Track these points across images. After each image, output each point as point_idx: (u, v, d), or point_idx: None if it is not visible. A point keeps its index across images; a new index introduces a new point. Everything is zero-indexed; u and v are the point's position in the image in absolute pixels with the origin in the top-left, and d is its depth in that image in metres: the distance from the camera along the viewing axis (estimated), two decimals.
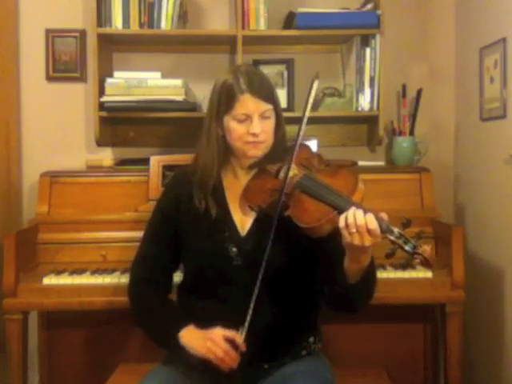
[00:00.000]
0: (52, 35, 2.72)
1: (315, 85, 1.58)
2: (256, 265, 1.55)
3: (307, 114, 1.58)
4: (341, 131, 2.83)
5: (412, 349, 2.48)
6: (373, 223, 1.39)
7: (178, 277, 1.94)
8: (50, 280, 2.13)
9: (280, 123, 1.69)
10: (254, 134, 1.61)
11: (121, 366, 2.09)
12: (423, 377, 2.50)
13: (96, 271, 2.20)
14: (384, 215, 1.43)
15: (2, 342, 2.25)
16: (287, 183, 1.56)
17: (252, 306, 1.51)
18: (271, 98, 1.65)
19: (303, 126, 1.58)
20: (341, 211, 1.43)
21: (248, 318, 1.51)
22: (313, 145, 2.62)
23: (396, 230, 1.40)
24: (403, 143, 2.67)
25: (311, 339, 1.72)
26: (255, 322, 1.62)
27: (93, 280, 2.14)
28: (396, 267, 2.17)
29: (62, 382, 2.47)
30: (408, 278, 2.14)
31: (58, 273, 2.19)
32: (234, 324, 1.59)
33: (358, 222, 1.39)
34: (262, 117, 1.62)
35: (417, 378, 2.50)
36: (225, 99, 1.63)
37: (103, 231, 2.35)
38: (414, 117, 2.69)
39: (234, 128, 1.62)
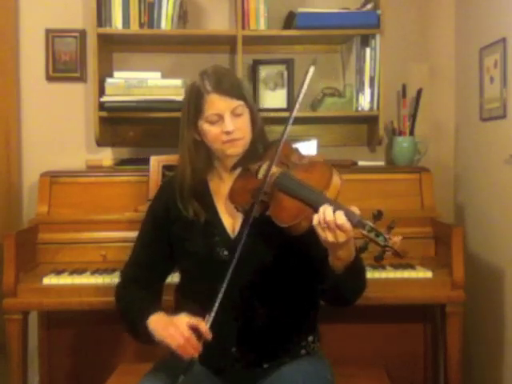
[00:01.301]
0: (52, 35, 2.72)
1: (311, 71, 1.57)
2: (249, 266, 1.55)
3: (300, 100, 1.58)
4: (341, 131, 2.83)
5: (412, 349, 2.48)
6: (341, 218, 1.39)
7: (176, 277, 1.94)
8: (49, 280, 2.13)
9: (255, 119, 1.68)
10: (228, 132, 1.60)
11: (121, 366, 2.09)
12: (423, 377, 2.50)
13: (96, 271, 2.20)
14: (355, 209, 1.43)
15: (2, 342, 2.25)
16: (266, 183, 1.56)
17: (221, 295, 1.49)
18: (240, 94, 1.63)
19: (294, 113, 1.58)
20: (315, 208, 1.44)
21: (215, 305, 1.49)
22: (313, 145, 2.62)
23: (367, 223, 1.40)
24: (403, 143, 2.67)
25: (310, 338, 1.71)
26: (253, 322, 1.63)
27: (93, 280, 2.14)
28: (396, 267, 2.18)
29: (62, 382, 2.48)
30: (408, 277, 2.14)
31: (58, 273, 2.19)
32: (231, 325, 1.60)
33: (328, 218, 1.39)
34: (234, 114, 1.61)
35: (417, 378, 2.50)
36: (194, 103, 1.63)
37: (103, 231, 2.35)
38: (414, 117, 2.69)
39: (209, 130, 1.62)
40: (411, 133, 2.69)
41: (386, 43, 2.56)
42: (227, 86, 1.61)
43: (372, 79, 2.58)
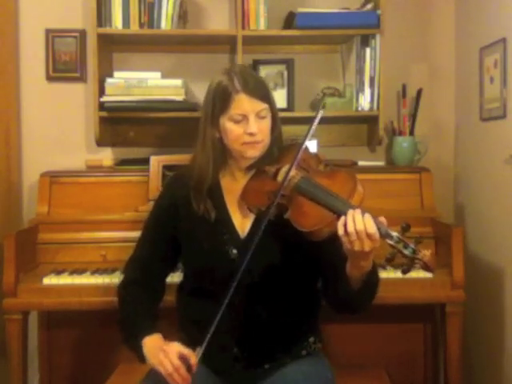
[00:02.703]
0: (52, 35, 2.72)
1: (319, 115, 1.58)
2: (256, 266, 1.55)
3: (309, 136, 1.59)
4: (341, 131, 2.82)
5: (412, 349, 2.48)
6: (372, 227, 1.37)
7: (177, 277, 1.94)
8: (49, 280, 2.13)
9: (276, 122, 1.68)
10: (251, 134, 1.59)
11: (121, 366, 2.09)
12: (423, 377, 2.50)
13: (96, 271, 2.20)
14: (383, 219, 1.41)
15: (2, 341, 2.25)
16: (285, 185, 1.54)
17: (213, 326, 1.47)
18: (266, 97, 1.63)
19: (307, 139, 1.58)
20: (340, 215, 1.41)
21: (207, 338, 1.47)
22: (313, 145, 2.62)
23: (395, 234, 1.38)
24: (403, 143, 2.67)
25: (311, 339, 1.72)
26: (254, 322, 1.63)
27: (93, 280, 2.14)
28: (396, 267, 2.17)
29: (62, 382, 2.47)
30: (408, 277, 2.10)
31: (58, 273, 2.19)
32: (232, 325, 1.59)
33: (358, 227, 1.37)
34: (259, 116, 1.61)
35: (417, 378, 2.50)
36: (219, 100, 1.61)
37: (103, 231, 2.35)
38: (413, 117, 2.69)
39: (231, 129, 1.61)
40: (411, 133, 2.69)
41: (386, 43, 2.56)
42: (256, 87, 1.61)
43: (372, 79, 2.58)
